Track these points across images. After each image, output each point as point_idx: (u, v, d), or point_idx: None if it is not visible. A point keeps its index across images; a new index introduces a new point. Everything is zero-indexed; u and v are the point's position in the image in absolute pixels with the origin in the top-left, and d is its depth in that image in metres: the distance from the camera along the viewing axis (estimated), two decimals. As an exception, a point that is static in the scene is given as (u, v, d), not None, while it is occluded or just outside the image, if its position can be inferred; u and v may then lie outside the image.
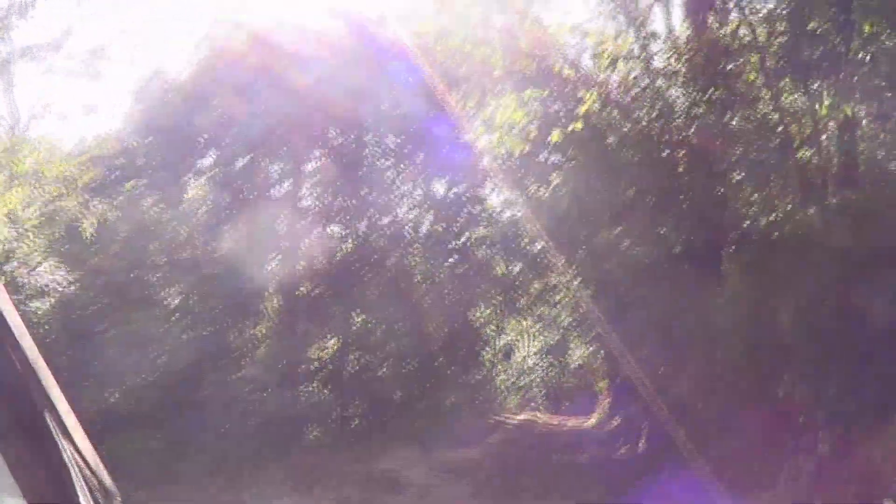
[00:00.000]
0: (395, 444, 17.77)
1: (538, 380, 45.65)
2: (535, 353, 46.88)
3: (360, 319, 25.50)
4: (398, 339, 27.53)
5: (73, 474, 1.35)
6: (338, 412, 24.69)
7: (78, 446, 1.34)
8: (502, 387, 42.79)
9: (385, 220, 29.07)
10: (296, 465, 16.05)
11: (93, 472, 1.36)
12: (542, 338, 46.02)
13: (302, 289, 24.58)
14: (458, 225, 29.74)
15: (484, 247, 32.23)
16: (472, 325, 31.14)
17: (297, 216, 26.87)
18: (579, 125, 13.96)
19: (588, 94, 14.05)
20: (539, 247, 25.85)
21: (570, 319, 39.68)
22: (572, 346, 45.94)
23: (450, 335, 29.81)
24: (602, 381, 27.77)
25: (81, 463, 1.35)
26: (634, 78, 13.56)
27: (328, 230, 28.19)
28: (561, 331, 45.70)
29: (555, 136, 14.32)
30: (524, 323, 45.99)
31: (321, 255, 26.38)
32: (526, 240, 29.62)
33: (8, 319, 1.32)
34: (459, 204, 29.44)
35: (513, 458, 16.53)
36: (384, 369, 26.18)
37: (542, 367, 45.93)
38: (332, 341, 26.10)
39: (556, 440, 21.44)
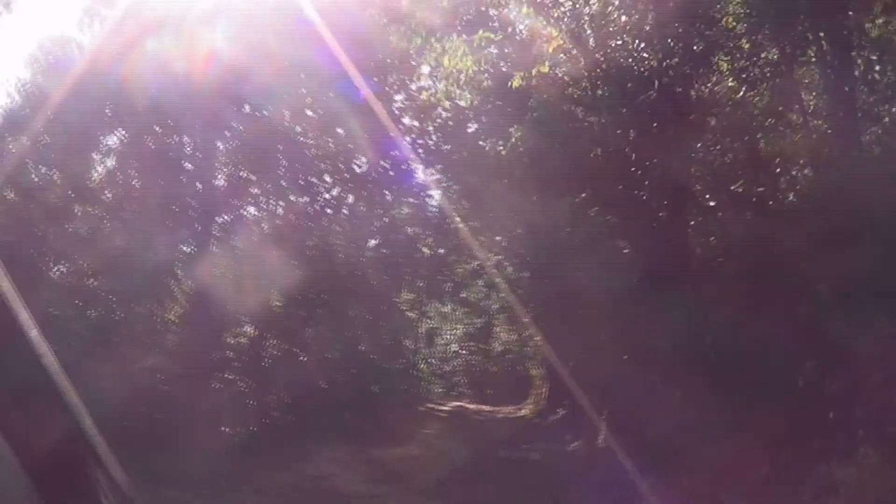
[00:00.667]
0: (321, 441, 15.23)
1: (462, 367, 43.81)
2: (460, 339, 45.07)
3: (278, 303, 22.69)
4: (319, 324, 24.93)
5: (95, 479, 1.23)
6: (254, 405, 22.04)
7: (94, 447, 1.21)
8: (426, 374, 40.71)
9: (304, 197, 26.26)
10: (202, 473, 13.02)
11: (110, 474, 1.22)
12: (467, 323, 44.19)
13: (215, 269, 21.61)
14: (383, 202, 27.22)
15: (413, 225, 30.00)
16: (397, 310, 28.75)
17: (210, 190, 23.86)
18: (545, 69, 11.72)
19: (556, 34, 11.82)
20: (477, 223, 23.69)
21: (499, 304, 37.97)
22: (498, 330, 44.34)
23: (374, 320, 27.31)
24: (536, 367, 25.72)
25: (99, 464, 1.23)
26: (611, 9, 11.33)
27: (243, 207, 25.31)
28: (488, 315, 44.06)
29: (516, 80, 11.98)
30: (449, 307, 44.12)
31: (235, 232, 23.45)
32: (459, 217, 27.48)
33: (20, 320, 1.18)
34: (386, 178, 26.94)
35: (459, 457, 14.28)
36: (305, 358, 23.48)
37: (466, 353, 44.14)
38: (248, 328, 23.26)
39: (497, 432, 19.31)
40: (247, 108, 22.83)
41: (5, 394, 1.23)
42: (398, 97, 24.78)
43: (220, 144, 23.67)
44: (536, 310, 22.21)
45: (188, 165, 23.40)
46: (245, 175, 24.34)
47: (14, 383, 1.24)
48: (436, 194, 26.60)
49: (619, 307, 16.15)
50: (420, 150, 26.21)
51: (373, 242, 27.09)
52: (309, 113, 23.64)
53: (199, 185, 22.89)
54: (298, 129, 23.84)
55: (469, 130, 22.51)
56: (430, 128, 25.65)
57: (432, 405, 28.76)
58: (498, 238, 23.23)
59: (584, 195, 14.17)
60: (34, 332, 1.25)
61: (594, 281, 18.63)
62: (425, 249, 32.61)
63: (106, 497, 1.32)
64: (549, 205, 21.22)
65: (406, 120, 25.53)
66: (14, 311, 1.25)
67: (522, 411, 25.87)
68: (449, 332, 45.52)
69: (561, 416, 19.19)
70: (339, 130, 24.67)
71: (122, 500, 1.31)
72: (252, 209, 25.40)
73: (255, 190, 24.60)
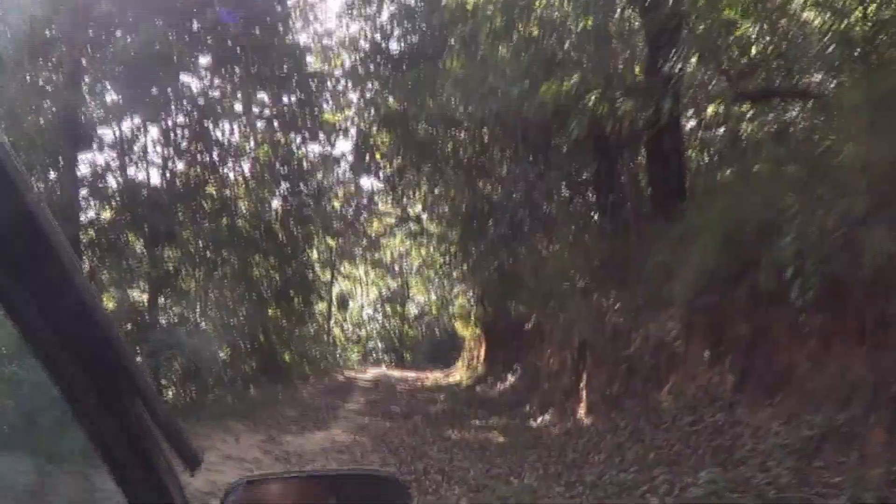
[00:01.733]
0: (218, 427, 11.54)
1: (379, 331, 40.26)
2: (375, 302, 41.53)
3: (169, 259, 18.44)
4: (220, 285, 20.84)
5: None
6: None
7: (156, 408, 0.99)
8: (342, 341, 37.00)
9: (200, 144, 21.89)
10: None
11: (179, 439, 1.01)
12: (382, 284, 40.64)
13: (88, 213, 17.12)
14: (287, 148, 23.13)
15: (321, 174, 26.10)
16: (307, 271, 24.78)
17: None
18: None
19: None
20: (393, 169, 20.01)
21: (420, 262, 34.46)
22: (415, 291, 41.02)
23: (283, 281, 23.35)
24: (469, 328, 22.48)
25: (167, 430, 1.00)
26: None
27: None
28: (403, 276, 40.64)
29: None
30: (364, 268, 40.40)
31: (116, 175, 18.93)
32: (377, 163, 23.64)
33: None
34: (291, 120, 22.84)
35: (401, 445, 10.72)
36: (204, 324, 19.36)
37: (381, 317, 40.61)
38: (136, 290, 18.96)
39: (435, 405, 15.90)
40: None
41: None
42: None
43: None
44: (473, 267, 18.88)
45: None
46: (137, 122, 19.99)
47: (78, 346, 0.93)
48: (349, 140, 22.64)
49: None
50: (328, 95, 22.27)
51: (279, 193, 23.00)
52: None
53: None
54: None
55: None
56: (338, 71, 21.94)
57: (351, 374, 25.09)
58: (423, 191, 19.69)
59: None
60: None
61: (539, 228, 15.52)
62: (336, 203, 28.80)
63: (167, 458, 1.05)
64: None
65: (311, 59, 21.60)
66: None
67: (454, 377, 22.55)
68: (363, 296, 41.90)
69: (512, 383, 15.85)
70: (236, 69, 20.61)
71: (191, 461, 1.00)
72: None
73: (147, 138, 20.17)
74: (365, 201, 30.98)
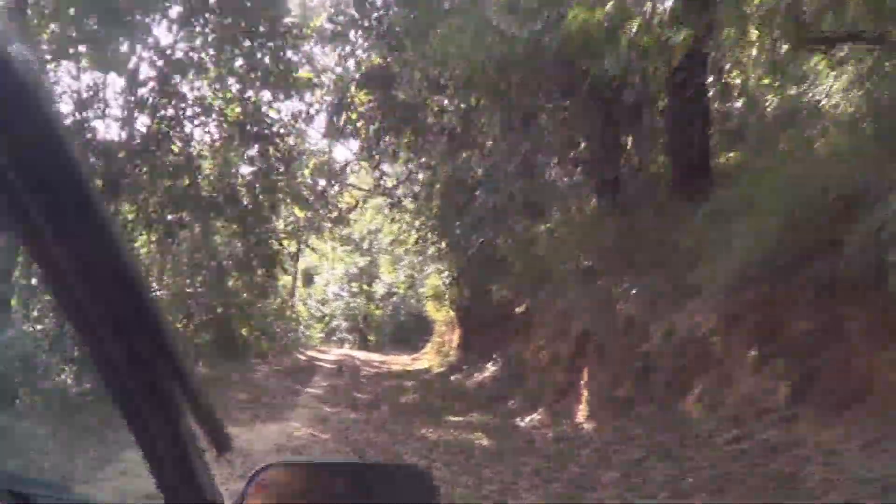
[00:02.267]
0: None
1: (343, 310, 38.27)
2: (342, 279, 39.52)
3: (121, 217, 16.36)
4: (177, 252, 18.95)
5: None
6: (85, 356, 15.97)
7: (192, 387, 0.96)
8: (305, 318, 35.00)
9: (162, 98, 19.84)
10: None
11: (210, 420, 1.00)
12: (350, 261, 38.66)
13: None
14: (258, 107, 21.05)
15: (293, 138, 24.13)
16: (270, 240, 22.73)
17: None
18: None
19: None
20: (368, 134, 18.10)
21: (391, 240, 32.57)
22: (384, 270, 39.11)
23: (245, 250, 21.41)
24: (442, 310, 20.64)
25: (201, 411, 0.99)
26: None
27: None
28: (377, 254, 38.74)
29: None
30: (332, 244, 38.39)
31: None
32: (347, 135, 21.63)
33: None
34: (264, 77, 20.77)
35: (375, 445, 8.88)
36: (159, 292, 17.38)
37: (349, 295, 38.62)
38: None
39: (406, 393, 14.11)
40: None
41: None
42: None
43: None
44: (452, 244, 17.13)
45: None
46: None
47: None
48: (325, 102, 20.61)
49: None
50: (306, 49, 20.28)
51: (247, 155, 20.92)
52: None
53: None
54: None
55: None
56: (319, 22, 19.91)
57: (313, 353, 23.19)
58: (402, 159, 17.81)
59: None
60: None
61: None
62: (307, 171, 26.79)
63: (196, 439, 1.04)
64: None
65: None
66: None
67: (423, 363, 20.76)
68: (329, 272, 39.88)
69: (492, 374, 14.08)
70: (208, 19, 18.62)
71: (221, 443, 1.01)
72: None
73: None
74: (337, 169, 29.13)
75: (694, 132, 9.79)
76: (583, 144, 11.61)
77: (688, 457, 6.73)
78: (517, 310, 12.04)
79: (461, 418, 11.16)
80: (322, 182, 29.26)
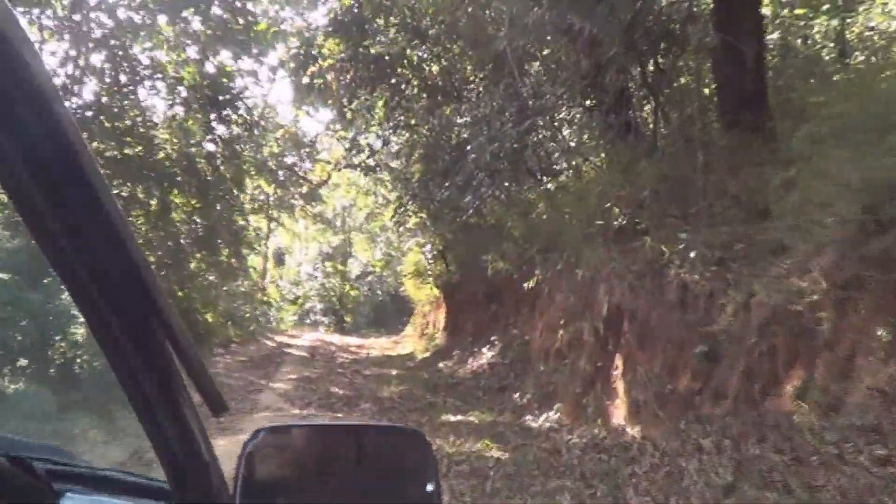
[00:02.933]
0: (106, 414, 7.58)
1: (317, 291, 35.80)
2: (316, 259, 37.04)
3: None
4: (134, 229, 16.28)
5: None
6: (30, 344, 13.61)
7: (186, 354, 0.96)
8: (276, 300, 32.53)
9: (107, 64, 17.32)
10: None
11: (205, 382, 0.98)
12: (323, 240, 36.17)
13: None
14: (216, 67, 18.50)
15: (254, 102, 21.69)
16: (234, 217, 20.28)
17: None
18: None
19: None
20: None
21: (368, 211, 30.21)
22: (359, 249, 36.71)
23: (206, 228, 19.03)
24: (424, 288, 18.26)
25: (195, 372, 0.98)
26: None
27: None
28: (351, 231, 36.27)
29: None
30: (304, 222, 35.88)
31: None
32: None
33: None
34: (222, 32, 18.22)
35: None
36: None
37: (322, 275, 36.12)
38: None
39: (391, 384, 11.84)
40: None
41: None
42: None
43: None
44: (435, 212, 14.85)
45: None
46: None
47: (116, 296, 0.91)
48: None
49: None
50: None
51: (205, 121, 18.40)
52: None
53: None
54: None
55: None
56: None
57: (284, 339, 20.81)
58: (379, 116, 15.39)
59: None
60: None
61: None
62: (273, 144, 24.28)
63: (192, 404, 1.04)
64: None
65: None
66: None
67: (405, 347, 18.50)
68: (302, 251, 37.42)
69: (489, 360, 11.81)
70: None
71: (216, 406, 0.98)
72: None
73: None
74: (307, 140, 26.71)
75: (747, 52, 7.59)
76: (599, 78, 9.34)
77: (810, 484, 4.57)
78: (528, 284, 9.75)
79: (460, 418, 8.95)
80: (291, 156, 26.94)
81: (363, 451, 1.43)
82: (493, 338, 12.04)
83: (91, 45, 16.00)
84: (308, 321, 33.53)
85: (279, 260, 35.38)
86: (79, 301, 0.90)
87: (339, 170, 26.55)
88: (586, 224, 8.29)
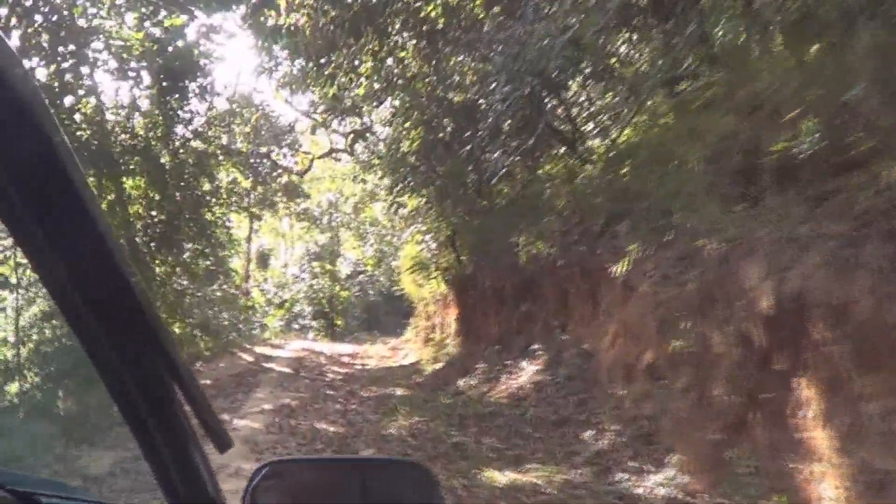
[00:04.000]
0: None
1: (305, 293, 32.23)
2: (302, 259, 33.45)
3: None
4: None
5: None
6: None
7: (190, 390, 0.93)
8: (260, 305, 29.09)
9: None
10: None
11: (210, 419, 0.96)
12: (310, 237, 32.65)
13: None
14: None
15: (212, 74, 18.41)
16: (203, 211, 16.87)
17: None
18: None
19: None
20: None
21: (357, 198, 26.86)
22: (348, 247, 33.24)
23: (169, 225, 15.78)
24: (427, 284, 14.82)
25: (200, 411, 0.96)
26: None
27: None
28: (339, 228, 32.75)
29: None
30: (290, 220, 32.41)
31: None
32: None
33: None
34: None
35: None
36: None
37: (310, 276, 32.57)
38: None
39: (391, 417, 8.57)
40: None
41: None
42: None
43: None
44: (441, 189, 11.59)
45: None
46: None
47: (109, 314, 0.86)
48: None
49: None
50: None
51: (157, 98, 15.03)
52: None
53: None
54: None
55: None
56: None
57: (266, 349, 17.39)
58: (366, 68, 12.04)
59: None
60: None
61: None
62: (244, 126, 20.86)
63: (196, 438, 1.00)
64: None
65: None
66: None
67: (408, 355, 15.17)
68: (288, 252, 33.92)
69: (533, 376, 8.28)
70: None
71: (221, 442, 0.96)
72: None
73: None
74: (282, 123, 23.38)
75: None
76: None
77: None
78: (617, 268, 6.38)
79: (511, 475, 5.67)
80: (266, 144, 23.56)
81: (367, 487, 1.37)
82: (533, 346, 8.70)
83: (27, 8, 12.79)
84: (296, 326, 30.11)
85: (263, 261, 31.98)
86: (81, 338, 0.84)
87: (322, 157, 23.29)
88: (708, 165, 5.03)
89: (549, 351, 8.29)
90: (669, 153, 5.77)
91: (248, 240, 29.62)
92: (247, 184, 23.45)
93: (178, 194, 15.22)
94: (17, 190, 0.70)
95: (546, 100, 8.20)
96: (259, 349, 16.93)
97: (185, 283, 18.13)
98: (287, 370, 13.14)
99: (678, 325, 5.72)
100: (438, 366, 11.86)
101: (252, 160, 22.03)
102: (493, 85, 8.75)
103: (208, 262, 20.45)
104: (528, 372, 8.35)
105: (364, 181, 21.02)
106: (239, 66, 40.97)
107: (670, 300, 5.87)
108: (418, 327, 16.55)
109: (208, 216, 17.38)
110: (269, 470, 1.32)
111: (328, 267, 31.97)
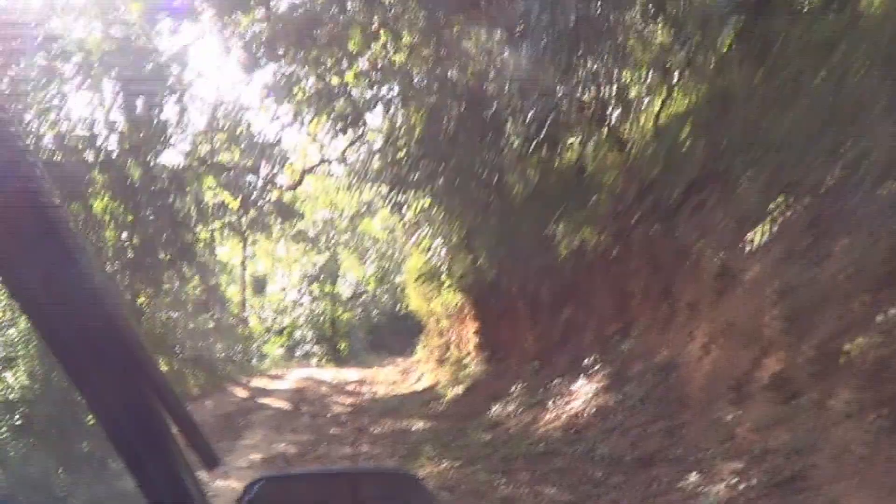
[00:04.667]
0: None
1: (306, 318, 30.33)
2: (301, 283, 31.59)
3: None
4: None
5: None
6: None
7: (175, 409, 0.94)
8: (258, 333, 27.22)
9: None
10: None
11: (196, 437, 0.96)
12: (308, 259, 30.76)
13: None
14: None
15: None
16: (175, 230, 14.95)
17: None
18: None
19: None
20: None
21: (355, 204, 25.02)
22: (346, 266, 31.38)
23: (145, 249, 14.05)
24: (438, 296, 12.96)
25: (187, 429, 0.96)
26: None
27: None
28: (332, 249, 30.88)
29: None
30: (282, 245, 30.46)
31: None
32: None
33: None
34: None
35: None
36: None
37: (310, 300, 30.67)
38: None
39: (414, 461, 6.86)
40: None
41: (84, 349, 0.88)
42: None
43: None
44: (459, 177, 9.81)
45: None
46: None
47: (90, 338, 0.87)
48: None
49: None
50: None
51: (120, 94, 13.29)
52: None
53: None
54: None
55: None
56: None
57: (262, 382, 15.52)
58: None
59: None
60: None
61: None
62: (221, 136, 19.03)
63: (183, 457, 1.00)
64: None
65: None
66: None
67: (420, 378, 13.36)
68: (283, 276, 31.97)
69: (594, 396, 6.35)
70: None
71: (209, 460, 0.96)
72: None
73: None
74: (269, 138, 21.67)
75: None
76: None
77: None
78: (710, 250, 4.57)
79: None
80: (249, 157, 21.74)
81: (359, 498, 1.37)
82: (584, 361, 6.85)
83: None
84: (298, 353, 28.22)
85: (259, 287, 30.16)
86: (64, 363, 0.84)
87: (312, 170, 21.56)
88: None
89: (609, 365, 6.46)
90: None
91: (243, 265, 27.79)
92: (235, 204, 21.70)
93: (151, 214, 13.46)
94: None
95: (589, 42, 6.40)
96: (255, 382, 15.07)
97: (173, 314, 16.42)
98: (285, 405, 11.30)
99: (820, 320, 3.94)
100: (460, 390, 10.02)
101: (236, 175, 20.28)
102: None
103: (197, 292, 18.71)
104: (584, 393, 6.50)
105: (360, 190, 19.25)
106: (216, 75, 39.32)
107: (804, 285, 4.09)
108: (430, 346, 14.72)
109: (189, 237, 15.66)
110: (262, 485, 1.27)
111: (328, 289, 30.12)
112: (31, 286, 0.77)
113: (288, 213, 25.35)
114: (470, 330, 11.34)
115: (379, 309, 30.07)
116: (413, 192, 11.08)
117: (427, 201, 11.27)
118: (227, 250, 26.76)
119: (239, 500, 1.22)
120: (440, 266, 11.78)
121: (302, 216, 26.80)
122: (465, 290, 11.12)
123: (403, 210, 11.93)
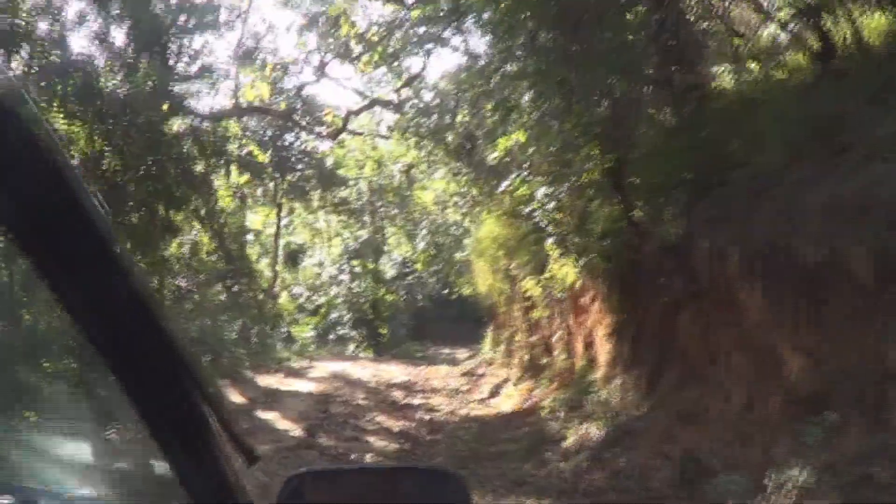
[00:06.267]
0: None
1: (344, 298, 26.07)
2: (338, 259, 27.31)
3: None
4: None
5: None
6: None
7: (217, 405, 0.93)
8: (289, 312, 23.15)
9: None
10: None
11: (235, 433, 0.96)
12: (350, 232, 26.51)
13: None
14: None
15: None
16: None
17: None
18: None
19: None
20: None
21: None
22: (393, 241, 27.16)
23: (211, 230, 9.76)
24: (524, 278, 8.80)
25: (226, 424, 0.95)
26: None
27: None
28: (376, 222, 26.65)
29: None
30: (321, 217, 26.12)
31: None
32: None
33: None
34: None
35: None
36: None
37: (348, 278, 26.43)
38: None
39: None
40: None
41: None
42: None
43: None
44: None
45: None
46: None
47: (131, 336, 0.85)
48: None
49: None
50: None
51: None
52: None
53: None
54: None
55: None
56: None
57: (275, 379, 11.22)
58: None
59: None
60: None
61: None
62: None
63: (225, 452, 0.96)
64: None
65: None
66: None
67: (500, 389, 8.96)
68: (321, 250, 27.71)
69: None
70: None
71: (248, 456, 0.97)
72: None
73: None
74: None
75: None
76: None
77: None
78: None
79: None
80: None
81: (400, 495, 1.32)
82: None
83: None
84: (332, 337, 24.08)
85: (292, 260, 26.00)
86: (107, 360, 0.81)
87: (359, 113, 17.30)
88: None
89: None
90: None
91: (277, 235, 23.63)
92: (264, 157, 17.57)
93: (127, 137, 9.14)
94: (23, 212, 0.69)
95: None
96: (265, 380, 10.74)
97: (179, 283, 12.34)
98: (295, 430, 6.96)
99: None
100: (595, 430, 5.56)
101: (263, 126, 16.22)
102: None
103: (213, 259, 14.63)
104: None
105: (417, 143, 14.80)
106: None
107: None
108: (506, 342, 10.27)
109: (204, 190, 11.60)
110: (300, 481, 1.27)
111: (370, 266, 25.84)
112: (79, 294, 0.74)
113: (329, 179, 21.25)
114: (600, 325, 6.85)
115: (426, 292, 25.88)
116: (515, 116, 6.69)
117: (532, 129, 6.85)
118: (259, 217, 22.83)
119: (280, 493, 1.19)
120: (547, 225, 7.29)
121: (345, 182, 22.67)
122: (595, 262, 6.62)
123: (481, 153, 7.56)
